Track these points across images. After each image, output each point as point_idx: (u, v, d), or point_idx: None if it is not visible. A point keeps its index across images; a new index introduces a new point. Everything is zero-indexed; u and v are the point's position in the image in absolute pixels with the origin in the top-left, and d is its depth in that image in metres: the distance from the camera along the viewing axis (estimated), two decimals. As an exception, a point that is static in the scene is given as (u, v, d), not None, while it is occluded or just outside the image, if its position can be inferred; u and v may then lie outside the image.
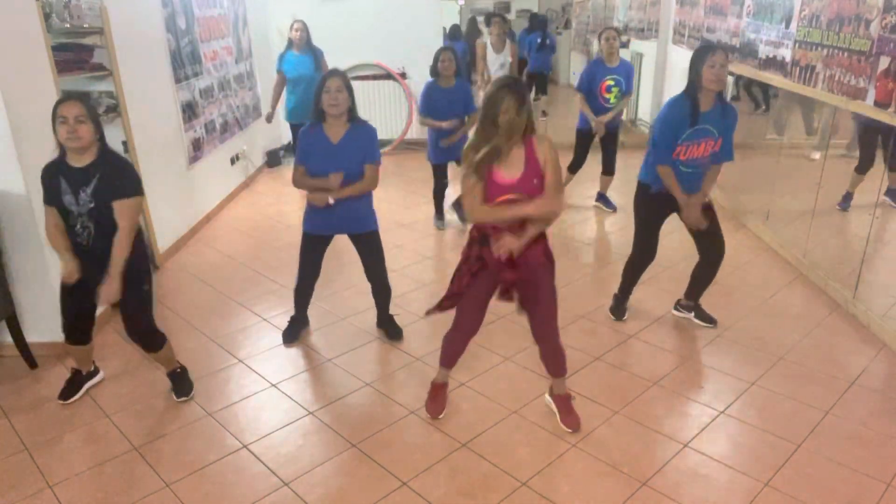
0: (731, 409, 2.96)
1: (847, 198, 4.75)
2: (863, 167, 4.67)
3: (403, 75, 7.55)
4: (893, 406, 2.97)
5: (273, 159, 7.31)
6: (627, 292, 3.77)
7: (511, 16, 14.11)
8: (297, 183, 3.27)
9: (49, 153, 3.37)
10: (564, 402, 2.86)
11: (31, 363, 3.37)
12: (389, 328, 3.62)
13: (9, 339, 3.35)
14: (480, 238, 2.57)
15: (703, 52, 3.16)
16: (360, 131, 3.20)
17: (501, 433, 2.83)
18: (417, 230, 5.17)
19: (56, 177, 2.66)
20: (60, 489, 2.55)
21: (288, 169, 7.15)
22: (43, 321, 3.42)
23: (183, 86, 5.10)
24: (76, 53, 3.84)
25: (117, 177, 2.66)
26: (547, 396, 2.97)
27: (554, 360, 2.77)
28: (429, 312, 2.76)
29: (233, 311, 3.96)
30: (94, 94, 4.05)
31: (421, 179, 6.25)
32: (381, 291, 3.55)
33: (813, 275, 4.20)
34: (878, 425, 2.83)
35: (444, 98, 4.76)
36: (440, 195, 5.23)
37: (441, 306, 2.71)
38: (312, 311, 3.94)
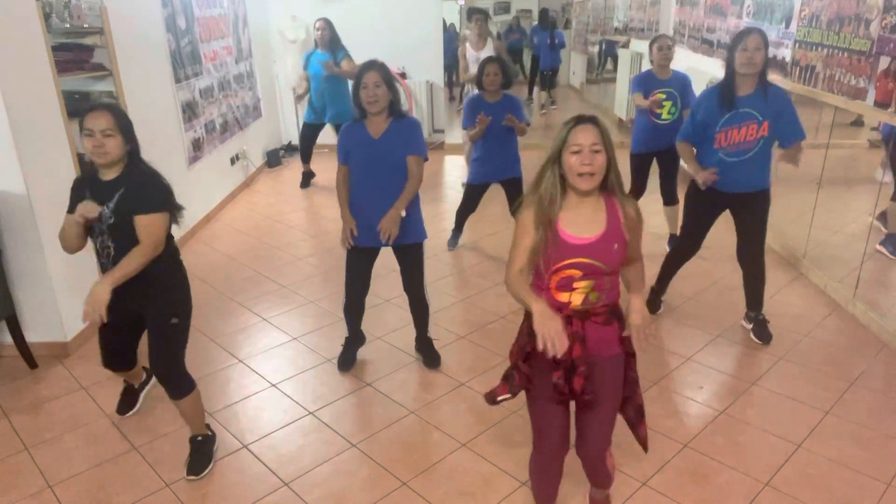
0: (731, 409, 2.96)
1: (893, 241, 4.31)
2: None
3: (403, 75, 7.55)
4: (893, 406, 2.97)
5: (273, 159, 7.31)
6: (665, 284, 3.81)
7: (511, 15, 14.13)
8: (337, 187, 3.09)
9: (49, 153, 3.40)
10: None
11: (31, 363, 3.37)
12: (426, 354, 3.38)
13: (9, 339, 3.35)
14: None
15: (740, 36, 3.14)
16: (403, 124, 3.00)
17: (501, 433, 2.82)
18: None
19: (83, 190, 2.44)
20: (60, 489, 2.56)
21: (287, 169, 7.19)
22: (43, 321, 3.42)
23: (183, 86, 5.10)
24: (76, 53, 3.84)
25: (140, 191, 2.40)
26: (586, 498, 2.44)
27: (591, 470, 2.19)
28: (492, 400, 2.10)
29: (233, 311, 3.96)
30: (94, 94, 4.05)
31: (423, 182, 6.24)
32: (418, 305, 3.31)
33: (813, 275, 4.20)
34: (878, 425, 2.83)
35: (490, 113, 4.20)
36: (463, 216, 4.79)
37: (502, 391, 2.09)
38: (312, 312, 3.95)
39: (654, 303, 3.82)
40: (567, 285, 1.95)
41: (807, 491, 2.46)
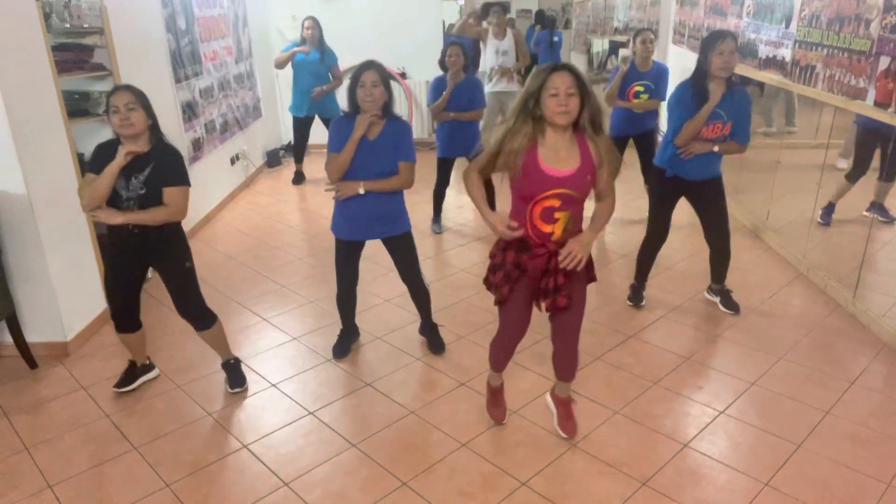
0: (731, 409, 2.96)
1: (829, 210, 4.70)
2: (855, 175, 4.63)
3: (403, 75, 7.56)
4: (893, 406, 2.97)
5: (273, 159, 7.31)
6: (643, 278, 3.90)
7: (511, 15, 14.13)
8: (328, 171, 3.08)
9: (49, 153, 3.40)
10: (565, 406, 2.78)
11: (31, 363, 3.37)
12: (431, 339, 3.46)
13: (9, 339, 3.35)
14: (518, 244, 2.38)
15: (714, 39, 3.29)
16: (395, 128, 3.04)
17: (501, 433, 2.83)
18: (415, 231, 5.15)
19: (112, 157, 2.68)
20: (60, 489, 2.56)
21: (287, 169, 7.18)
22: (43, 321, 3.42)
23: (183, 86, 5.10)
24: (76, 53, 3.84)
25: (170, 166, 2.78)
26: (548, 396, 2.89)
27: (566, 362, 2.66)
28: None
29: (233, 311, 3.95)
30: (94, 94, 4.05)
31: (420, 179, 6.22)
32: (418, 294, 3.37)
33: (813, 275, 4.20)
34: (878, 425, 2.83)
35: (453, 92, 4.74)
36: (440, 195, 5.17)
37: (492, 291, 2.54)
38: (312, 312, 3.95)
39: (636, 295, 3.90)
40: (549, 216, 2.30)
41: (807, 491, 2.46)
